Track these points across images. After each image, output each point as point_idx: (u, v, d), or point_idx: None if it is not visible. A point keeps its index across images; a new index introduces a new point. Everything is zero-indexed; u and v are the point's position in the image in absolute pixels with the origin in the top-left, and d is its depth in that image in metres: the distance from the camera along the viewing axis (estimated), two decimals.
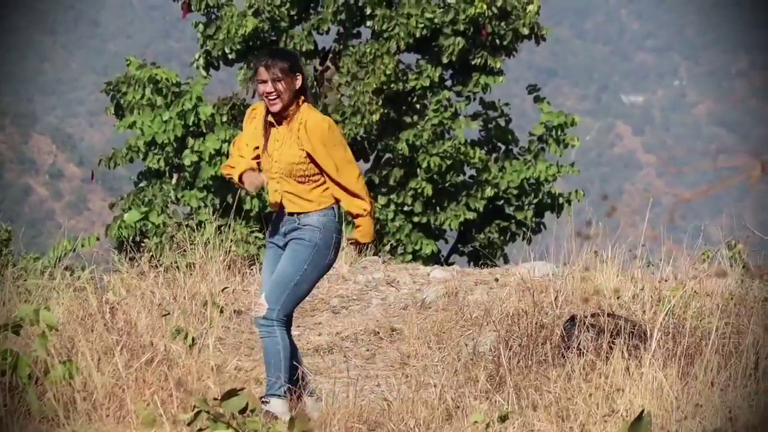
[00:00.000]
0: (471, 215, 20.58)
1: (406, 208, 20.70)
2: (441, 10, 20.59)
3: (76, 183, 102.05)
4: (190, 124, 19.40)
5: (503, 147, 21.39)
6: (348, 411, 6.84)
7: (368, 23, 20.96)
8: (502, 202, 21.00)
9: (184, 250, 10.37)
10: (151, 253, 10.30)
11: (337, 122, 19.92)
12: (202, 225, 11.19)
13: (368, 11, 20.81)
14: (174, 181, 19.76)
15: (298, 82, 6.88)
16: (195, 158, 19.36)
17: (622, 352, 6.78)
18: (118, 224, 18.53)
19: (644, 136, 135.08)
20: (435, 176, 20.47)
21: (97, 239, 12.05)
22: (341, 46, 21.19)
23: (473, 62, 20.76)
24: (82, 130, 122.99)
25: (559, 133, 20.77)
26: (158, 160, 19.56)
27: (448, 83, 21.23)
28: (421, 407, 6.92)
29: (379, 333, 9.67)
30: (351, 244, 7.06)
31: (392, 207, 20.64)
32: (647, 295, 8.35)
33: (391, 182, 20.72)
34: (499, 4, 20.56)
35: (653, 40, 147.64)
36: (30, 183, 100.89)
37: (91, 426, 5.97)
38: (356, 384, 7.25)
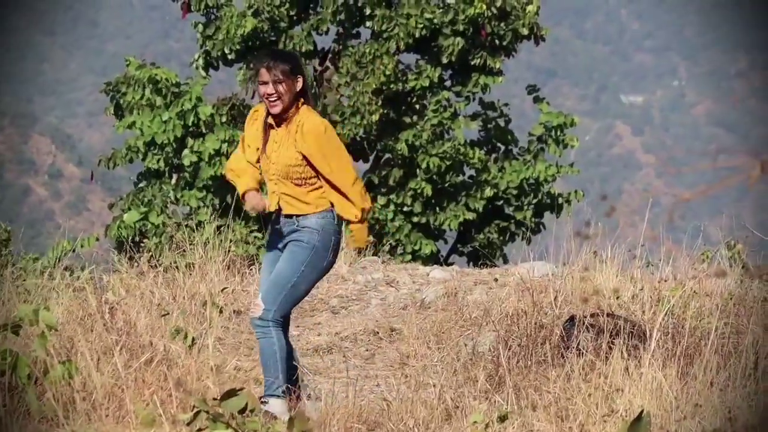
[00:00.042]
0: (470, 215, 20.57)
1: (405, 209, 20.69)
2: (440, 10, 20.57)
3: (75, 183, 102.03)
4: (190, 124, 19.40)
5: (503, 147, 21.38)
6: (347, 411, 6.83)
7: (368, 23, 20.95)
8: (501, 202, 21.00)
9: (184, 250, 10.36)
10: (150, 254, 10.29)
11: (336, 123, 19.95)
12: (202, 225, 11.18)
13: (368, 11, 20.79)
14: (173, 181, 19.76)
15: (299, 85, 6.87)
16: (194, 158, 19.36)
17: (622, 352, 6.78)
18: (117, 224, 18.55)
19: (643, 136, 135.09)
20: (434, 176, 20.47)
21: (97, 239, 12.07)
22: (341, 47, 21.18)
23: (473, 62, 20.75)
24: (82, 131, 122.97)
25: (558, 133, 20.77)
26: (158, 161, 19.56)
27: (448, 83, 21.22)
28: (420, 407, 6.92)
29: (378, 333, 9.66)
30: (348, 246, 7.08)
31: (392, 207, 20.63)
32: (647, 295, 8.35)
33: (391, 182, 20.71)
34: (498, 4, 20.55)
35: (653, 41, 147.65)
36: (29, 183, 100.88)
37: (90, 426, 5.97)
38: (356, 384, 7.25)
